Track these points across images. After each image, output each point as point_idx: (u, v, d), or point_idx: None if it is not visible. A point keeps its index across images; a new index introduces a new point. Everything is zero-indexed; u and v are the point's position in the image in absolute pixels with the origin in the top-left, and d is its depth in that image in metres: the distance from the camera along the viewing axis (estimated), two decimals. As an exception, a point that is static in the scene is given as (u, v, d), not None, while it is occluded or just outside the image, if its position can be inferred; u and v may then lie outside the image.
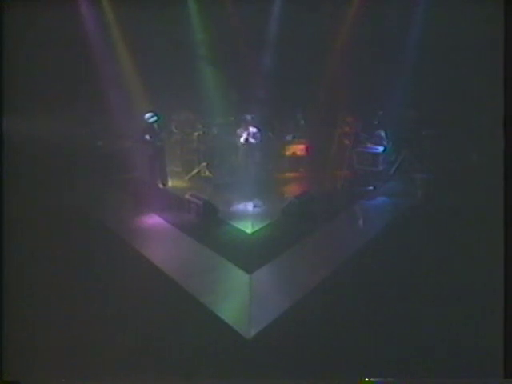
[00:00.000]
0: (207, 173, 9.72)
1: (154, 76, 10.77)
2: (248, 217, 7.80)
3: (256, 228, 7.37)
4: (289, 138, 10.30)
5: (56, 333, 4.75)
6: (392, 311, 5.02)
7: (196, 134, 9.91)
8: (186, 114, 10.44)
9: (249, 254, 6.48)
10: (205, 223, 7.52)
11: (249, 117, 9.85)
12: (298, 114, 10.53)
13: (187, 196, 8.00)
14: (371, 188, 8.76)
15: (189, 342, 4.65)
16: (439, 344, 4.46)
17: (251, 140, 9.24)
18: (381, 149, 9.16)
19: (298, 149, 10.15)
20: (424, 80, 9.17)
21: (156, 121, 8.39)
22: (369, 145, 9.34)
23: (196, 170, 9.83)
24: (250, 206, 8.20)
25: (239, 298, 5.45)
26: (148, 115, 8.40)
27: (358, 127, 9.24)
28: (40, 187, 7.77)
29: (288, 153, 10.18)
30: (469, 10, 8.20)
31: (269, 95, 10.51)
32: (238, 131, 9.50)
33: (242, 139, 9.34)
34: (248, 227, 7.38)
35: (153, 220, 7.79)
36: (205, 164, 9.79)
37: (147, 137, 8.11)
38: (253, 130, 9.32)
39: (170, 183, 9.40)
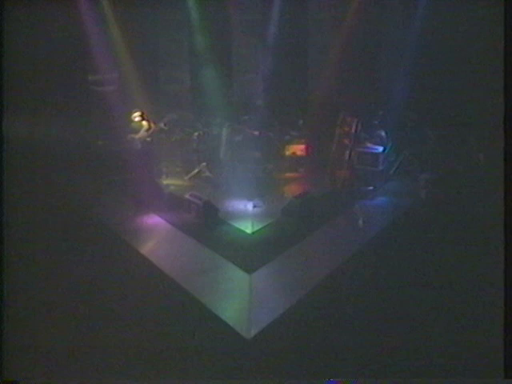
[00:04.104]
0: (207, 173, 9.72)
1: (154, 76, 10.80)
2: (248, 217, 7.79)
3: (256, 228, 7.36)
4: (289, 138, 10.29)
5: (56, 333, 4.75)
6: (392, 311, 5.02)
7: (196, 134, 9.91)
8: (186, 113, 10.43)
9: (249, 254, 6.48)
10: (205, 223, 7.51)
11: (247, 117, 9.89)
12: (298, 114, 10.52)
13: (187, 196, 7.99)
14: (371, 188, 8.76)
15: (189, 342, 4.65)
16: (439, 344, 4.46)
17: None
18: (381, 149, 9.13)
19: (298, 149, 10.13)
20: (424, 80, 9.17)
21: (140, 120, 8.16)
22: (369, 145, 9.32)
23: (196, 170, 9.82)
24: (249, 206, 8.20)
25: (239, 298, 5.45)
26: (134, 115, 8.24)
27: (358, 127, 9.22)
28: (40, 187, 7.76)
29: (288, 153, 10.16)
30: (469, 10, 8.20)
31: (269, 95, 10.51)
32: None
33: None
34: (248, 227, 7.38)
35: (153, 220, 7.78)
36: (205, 164, 9.78)
37: (133, 135, 8.02)
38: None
39: (169, 182, 9.40)
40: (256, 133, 9.67)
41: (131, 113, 8.27)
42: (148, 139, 8.00)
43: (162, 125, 9.59)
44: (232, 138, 9.91)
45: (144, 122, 8.17)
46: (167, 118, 9.99)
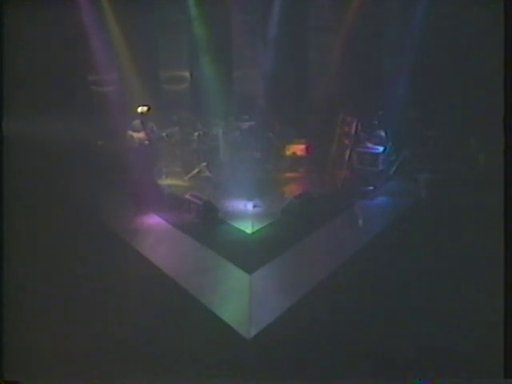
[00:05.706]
0: (207, 173, 9.72)
1: (154, 76, 10.79)
2: (248, 217, 7.79)
3: (256, 228, 7.36)
4: (289, 137, 10.29)
5: (56, 333, 4.75)
6: (392, 311, 5.02)
7: (196, 134, 9.91)
8: (186, 115, 10.43)
9: (249, 254, 6.48)
10: (205, 223, 7.52)
11: (247, 117, 9.90)
12: (298, 114, 10.53)
13: (187, 196, 8.00)
14: (371, 188, 8.76)
15: (189, 342, 4.65)
16: (439, 344, 4.46)
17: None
18: (381, 149, 9.14)
19: (298, 149, 10.14)
20: (424, 80, 9.17)
21: (145, 112, 8.02)
22: (369, 145, 9.33)
23: (196, 170, 9.82)
24: (250, 206, 8.20)
25: (239, 298, 5.45)
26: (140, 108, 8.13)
27: (358, 127, 9.22)
28: (39, 187, 7.76)
29: (288, 153, 10.17)
30: (469, 10, 8.20)
31: (269, 95, 10.51)
32: None
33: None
34: (248, 227, 7.38)
35: (153, 220, 7.79)
36: (205, 164, 9.78)
37: (131, 133, 7.98)
38: None
39: (169, 183, 9.40)
40: (252, 130, 9.69)
41: (138, 107, 8.10)
42: (146, 142, 7.97)
43: (164, 134, 9.57)
44: (232, 138, 9.92)
45: (148, 124, 8.09)
46: (170, 130, 9.96)
